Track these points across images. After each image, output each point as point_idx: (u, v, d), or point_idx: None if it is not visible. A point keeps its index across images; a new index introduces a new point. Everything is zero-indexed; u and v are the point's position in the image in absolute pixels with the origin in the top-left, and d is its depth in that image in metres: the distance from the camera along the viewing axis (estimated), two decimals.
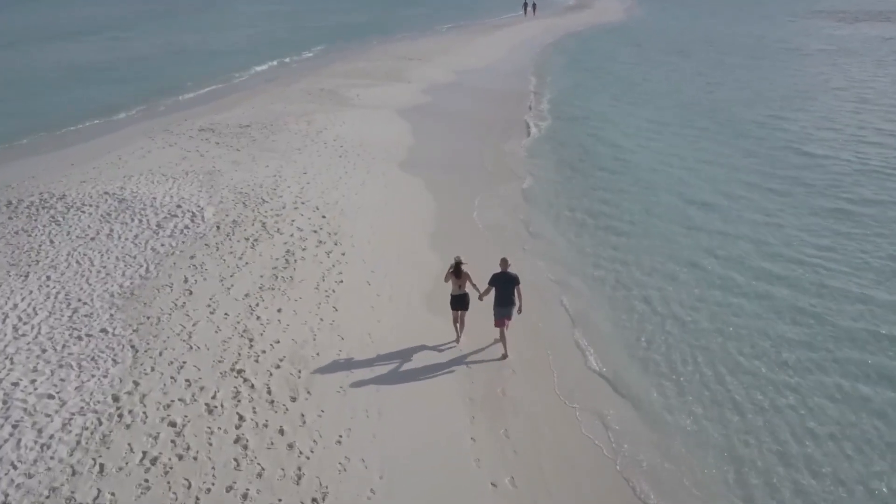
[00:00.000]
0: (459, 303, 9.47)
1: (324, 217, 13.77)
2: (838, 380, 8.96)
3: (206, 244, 12.27)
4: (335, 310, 10.34)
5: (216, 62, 37.52)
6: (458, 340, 9.58)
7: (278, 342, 9.41)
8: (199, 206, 13.92)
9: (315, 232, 13.05)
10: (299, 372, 8.81)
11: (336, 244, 12.58)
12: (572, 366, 9.23)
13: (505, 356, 9.28)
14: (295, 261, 11.81)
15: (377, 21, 57.87)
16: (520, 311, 9.25)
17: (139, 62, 36.63)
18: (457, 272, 9.39)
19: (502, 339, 9.25)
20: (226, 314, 10.02)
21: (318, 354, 9.21)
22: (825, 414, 8.22)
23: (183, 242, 12.31)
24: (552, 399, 8.46)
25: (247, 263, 11.57)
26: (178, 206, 13.86)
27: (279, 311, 10.18)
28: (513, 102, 27.86)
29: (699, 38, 48.18)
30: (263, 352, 9.18)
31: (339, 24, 56.30)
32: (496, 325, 9.31)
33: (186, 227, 12.96)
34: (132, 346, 9.11)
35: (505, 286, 9.23)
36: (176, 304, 10.23)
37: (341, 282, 11.25)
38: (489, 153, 20.11)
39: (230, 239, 12.49)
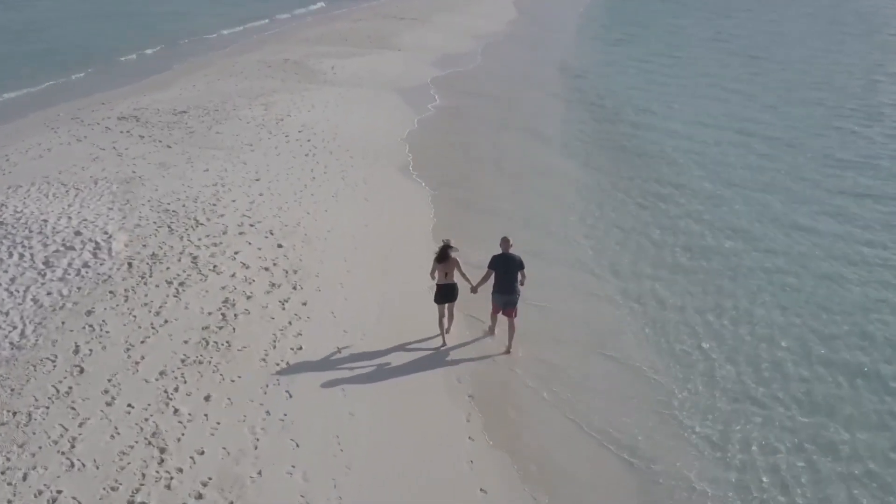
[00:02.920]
0: (446, 295, 9.76)
1: (280, 247, 12.58)
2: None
3: (110, 291, 10.87)
4: (289, 396, 8.93)
5: (148, 25, 36.17)
6: (444, 340, 9.95)
7: (202, 453, 7.92)
8: (105, 234, 12.52)
9: (266, 270, 11.80)
10: None
11: (295, 288, 11.31)
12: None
13: (492, 332, 10.06)
14: (235, 316, 10.45)
15: None
16: (522, 283, 9.73)
17: (49, 27, 35.10)
18: (442, 256, 9.59)
19: (491, 324, 9.98)
20: (129, 406, 8.54)
21: (259, 473, 7.71)
22: None
23: (79, 289, 10.87)
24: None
25: (166, 322, 10.19)
26: (78, 234, 12.42)
27: (207, 399, 8.77)
28: (552, 83, 27.00)
29: None
30: (179, 470, 7.67)
31: None
32: (493, 314, 9.93)
33: (86, 264, 11.52)
34: None
35: (507, 270, 9.59)
36: (58, 391, 8.75)
37: (300, 348, 9.87)
38: (524, 156, 19.01)
39: (146, 283, 11.13)
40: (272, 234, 13.03)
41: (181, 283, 11.15)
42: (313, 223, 13.53)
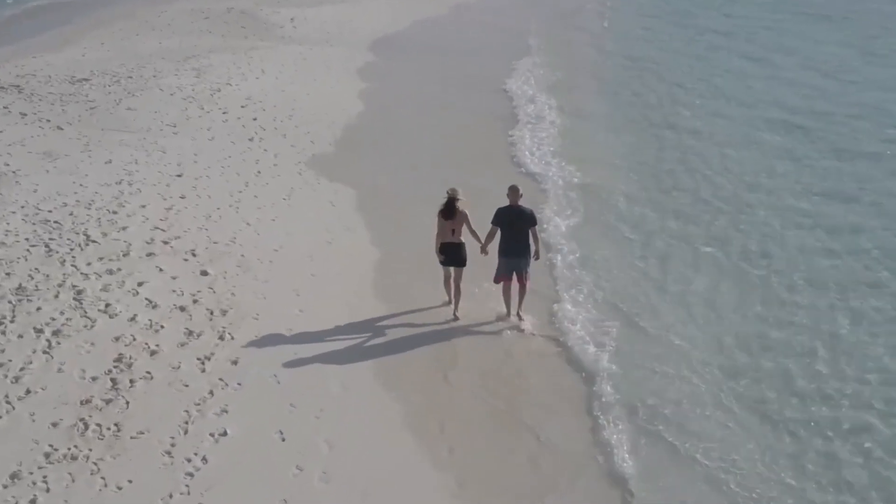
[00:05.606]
0: (453, 256, 10.61)
1: (205, 274, 11.90)
2: None
3: None
4: None
5: None
6: (455, 309, 10.85)
7: None
8: None
9: (182, 310, 11.00)
10: None
11: (222, 338, 10.51)
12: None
13: (508, 314, 10.82)
14: (131, 383, 9.49)
15: None
16: (537, 255, 10.66)
17: None
18: (449, 211, 10.38)
19: (506, 296, 10.71)
20: None
21: None
22: None
23: None
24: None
25: (28, 393, 9.14)
26: None
27: None
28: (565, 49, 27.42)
29: None
30: None
31: None
32: (497, 281, 10.70)
33: None
34: None
35: (516, 226, 10.34)
36: None
37: (224, 434, 8.84)
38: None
39: (3, 332, 10.12)
40: (195, 255, 12.25)
41: (56, 332, 10.17)
42: (255, 239, 12.92)
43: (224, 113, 18.32)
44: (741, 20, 33.88)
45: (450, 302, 10.99)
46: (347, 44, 24.64)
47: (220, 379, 9.66)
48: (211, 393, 9.43)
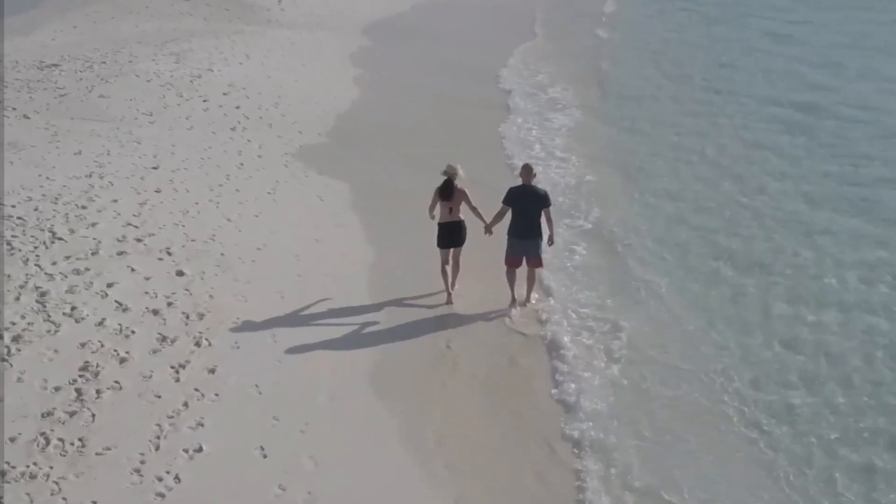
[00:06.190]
0: (451, 236, 10.79)
1: (181, 274, 11.82)
2: None
3: None
4: None
5: None
6: (449, 297, 11.00)
7: None
8: None
9: (156, 313, 10.86)
10: None
11: (199, 345, 10.39)
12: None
13: (513, 301, 10.91)
14: (97, 394, 9.29)
15: None
16: (551, 241, 10.85)
17: None
18: (446, 191, 10.57)
19: (510, 279, 10.85)
20: None
21: None
22: None
23: None
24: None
25: None
26: None
27: None
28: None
29: None
30: None
31: None
32: (507, 265, 10.80)
33: None
34: None
35: (527, 206, 10.49)
36: None
37: (199, 450, 8.64)
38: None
39: None
40: (170, 253, 12.16)
41: (16, 338, 9.98)
42: (236, 236, 12.86)
43: (205, 101, 18.33)
44: (751, 4, 33.78)
45: (449, 302, 11.09)
46: (340, 28, 24.84)
47: (196, 389, 9.51)
48: (185, 405, 9.25)
